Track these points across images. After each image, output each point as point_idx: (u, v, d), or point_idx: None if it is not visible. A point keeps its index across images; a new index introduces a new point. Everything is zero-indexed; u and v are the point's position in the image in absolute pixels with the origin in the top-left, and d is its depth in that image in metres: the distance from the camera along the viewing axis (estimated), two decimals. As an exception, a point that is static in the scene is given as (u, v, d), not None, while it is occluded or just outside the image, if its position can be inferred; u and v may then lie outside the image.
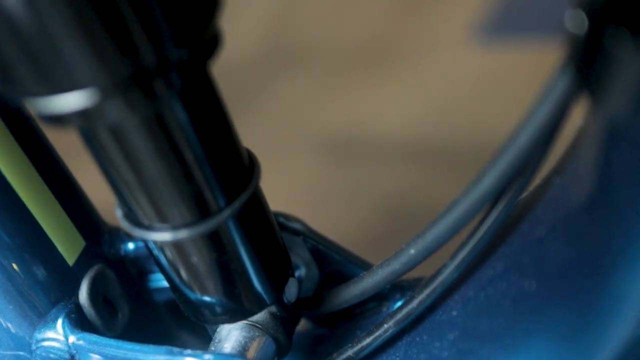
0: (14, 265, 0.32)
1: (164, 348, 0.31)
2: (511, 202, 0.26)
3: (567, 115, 0.22)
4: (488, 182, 0.25)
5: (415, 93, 1.37)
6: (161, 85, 0.22)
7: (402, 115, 1.34)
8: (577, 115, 0.26)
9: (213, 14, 0.23)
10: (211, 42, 0.24)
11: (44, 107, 0.23)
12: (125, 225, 0.28)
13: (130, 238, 0.38)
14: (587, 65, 0.19)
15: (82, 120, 0.23)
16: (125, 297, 0.37)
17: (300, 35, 1.48)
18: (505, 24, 1.44)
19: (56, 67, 0.21)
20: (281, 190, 1.11)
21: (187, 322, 0.42)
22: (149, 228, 0.27)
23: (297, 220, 0.36)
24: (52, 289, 0.33)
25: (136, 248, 0.38)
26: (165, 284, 0.40)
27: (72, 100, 0.22)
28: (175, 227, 0.27)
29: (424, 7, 1.55)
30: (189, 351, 0.30)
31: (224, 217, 0.27)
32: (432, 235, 0.28)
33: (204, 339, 0.39)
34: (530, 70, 1.34)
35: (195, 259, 0.28)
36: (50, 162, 0.34)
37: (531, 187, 0.28)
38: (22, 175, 0.32)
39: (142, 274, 0.39)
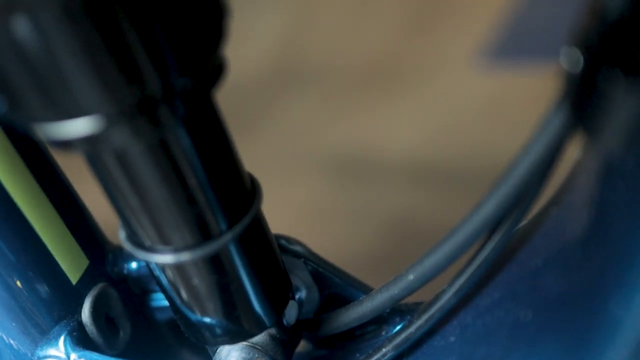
0: (18, 283, 0.33)
1: (164, 368, 0.31)
2: (508, 231, 0.27)
3: (563, 149, 0.22)
4: (486, 211, 0.26)
5: (421, 114, 1.38)
6: (166, 112, 0.23)
7: (408, 137, 1.35)
8: (575, 147, 0.26)
9: (218, 43, 0.23)
10: (215, 71, 0.24)
11: (51, 132, 0.23)
12: (127, 246, 0.28)
13: (133, 257, 0.38)
14: (582, 103, 0.20)
15: (88, 145, 0.23)
16: (127, 316, 0.38)
17: (308, 55, 1.49)
18: (511, 48, 1.45)
19: (64, 94, 0.21)
20: (287, 209, 1.12)
21: (188, 341, 0.42)
22: (151, 250, 0.28)
23: (298, 242, 0.37)
24: (55, 307, 0.34)
25: (139, 267, 0.38)
26: (165, 303, 0.40)
27: (78, 127, 0.22)
28: (177, 250, 0.27)
29: (431, 30, 1.56)
30: (188, 372, 0.31)
31: (226, 240, 0.27)
32: (430, 262, 0.28)
33: (205, 359, 0.40)
34: (534, 94, 1.34)
35: (196, 281, 0.29)
36: (55, 181, 0.34)
37: (528, 217, 0.28)
38: (27, 193, 0.32)
39: (144, 293, 0.39)
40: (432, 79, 1.45)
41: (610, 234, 0.21)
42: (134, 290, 0.39)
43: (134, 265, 0.38)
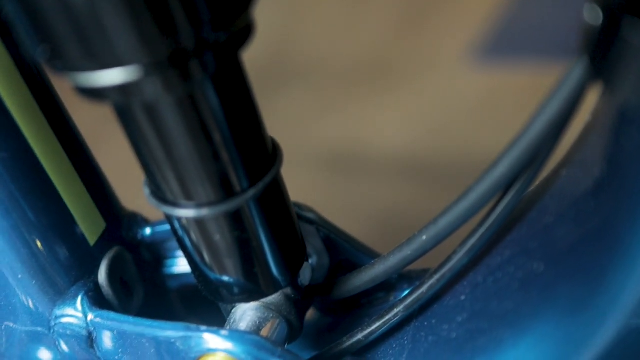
0: (38, 243, 0.33)
1: (181, 324, 0.32)
2: (520, 192, 0.28)
3: (579, 105, 0.23)
4: (500, 171, 0.27)
5: (412, 110, 1.39)
6: (197, 67, 0.24)
7: (399, 132, 1.36)
8: (585, 111, 0.27)
9: (250, 2, 0.24)
10: (245, 30, 0.25)
11: (85, 81, 0.24)
12: (152, 202, 0.29)
13: (148, 223, 0.39)
14: (601, 55, 0.21)
15: (120, 95, 0.24)
16: (140, 280, 0.38)
17: (299, 50, 1.50)
18: (503, 45, 1.46)
19: (102, 44, 0.22)
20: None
21: (196, 309, 0.43)
22: (175, 205, 0.29)
23: (311, 210, 0.38)
24: (73, 268, 0.35)
25: (153, 234, 0.39)
26: (177, 270, 0.41)
27: (113, 76, 0.23)
28: (200, 205, 0.28)
29: (423, 26, 1.57)
30: (205, 327, 0.32)
31: (247, 198, 0.28)
32: (444, 222, 0.29)
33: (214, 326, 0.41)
34: (526, 92, 1.36)
35: (216, 238, 0.29)
36: (76, 145, 0.35)
37: (539, 179, 0.29)
38: (52, 155, 0.33)
39: (157, 260, 0.40)
40: (423, 75, 1.47)
41: (624, 184, 0.22)
42: (146, 257, 0.39)
43: (147, 231, 0.39)
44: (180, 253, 0.40)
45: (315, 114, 1.35)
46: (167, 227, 0.39)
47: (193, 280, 0.40)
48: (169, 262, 0.40)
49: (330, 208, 1.20)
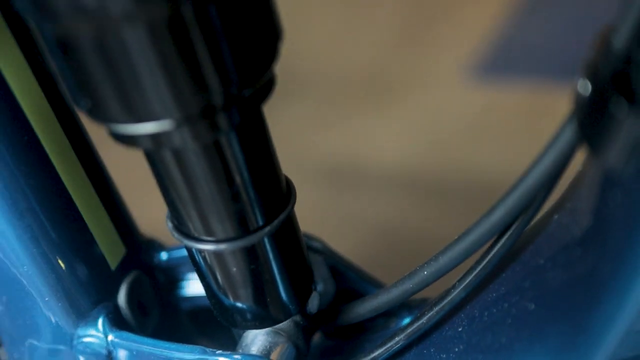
0: (64, 268, 0.36)
1: (198, 348, 0.34)
2: (516, 234, 0.30)
3: (569, 162, 0.26)
4: (497, 216, 0.29)
5: (410, 125, 1.41)
6: (224, 119, 0.26)
7: (397, 147, 1.38)
8: (578, 161, 0.30)
9: (272, 61, 0.27)
10: (268, 85, 0.27)
11: (121, 130, 0.26)
12: (175, 235, 0.31)
13: (164, 249, 0.41)
14: (589, 123, 0.23)
15: (152, 144, 0.27)
16: (155, 302, 0.41)
17: (299, 64, 1.52)
18: (500, 64, 1.49)
19: (139, 102, 0.25)
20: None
21: (206, 330, 0.45)
22: (197, 240, 0.31)
23: (318, 240, 0.40)
24: (95, 291, 0.37)
25: (168, 258, 0.41)
26: (189, 293, 0.43)
27: (146, 128, 0.26)
28: (219, 241, 0.31)
29: (423, 43, 1.59)
30: (219, 352, 0.34)
31: (263, 234, 0.31)
32: (444, 260, 0.32)
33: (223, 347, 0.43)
34: (520, 110, 1.38)
35: (233, 269, 0.32)
36: (100, 174, 0.37)
37: (533, 222, 0.31)
38: (80, 186, 0.36)
39: (171, 283, 0.42)
40: (421, 91, 1.49)
41: (607, 237, 0.25)
42: (161, 280, 0.42)
43: (163, 256, 0.41)
44: (192, 276, 0.43)
45: (313, 127, 1.37)
46: (182, 252, 0.41)
47: (204, 302, 0.42)
48: (182, 284, 0.43)
49: (328, 220, 1.23)
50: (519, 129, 1.32)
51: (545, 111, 1.37)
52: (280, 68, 0.28)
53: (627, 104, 0.22)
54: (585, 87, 0.24)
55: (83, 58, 0.24)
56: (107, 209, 0.37)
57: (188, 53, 0.24)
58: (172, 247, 0.41)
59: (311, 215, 1.30)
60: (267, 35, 0.26)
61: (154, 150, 0.28)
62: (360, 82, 1.56)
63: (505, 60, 1.50)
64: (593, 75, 0.24)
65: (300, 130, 1.36)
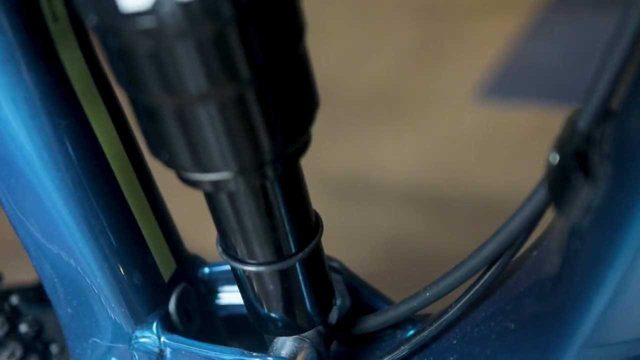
0: (127, 279, 0.43)
1: (237, 350, 0.41)
2: (501, 266, 0.37)
3: (542, 214, 0.33)
4: (487, 251, 0.36)
5: (419, 142, 1.46)
6: (270, 171, 0.33)
7: (405, 163, 1.43)
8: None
9: (310, 125, 0.34)
10: (306, 142, 0.34)
11: (189, 176, 0.33)
12: (224, 257, 0.39)
13: (206, 264, 0.49)
14: (556, 187, 0.30)
15: (212, 187, 0.34)
16: (198, 309, 0.48)
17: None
18: (507, 86, 1.55)
19: (207, 160, 0.32)
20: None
21: (238, 335, 0.52)
22: (242, 262, 0.38)
23: (336, 260, 0.47)
24: (151, 299, 0.44)
25: (210, 272, 0.48)
26: (225, 302, 0.50)
27: (210, 177, 0.33)
28: (260, 264, 0.38)
29: (434, 63, 1.65)
30: (255, 354, 0.41)
31: (295, 260, 0.38)
32: (443, 284, 0.39)
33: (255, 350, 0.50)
34: (526, 131, 1.44)
35: (270, 287, 0.39)
36: (158, 199, 0.44)
37: (516, 257, 0.38)
38: (141, 209, 0.43)
39: (210, 293, 0.50)
40: (431, 109, 1.55)
41: (570, 274, 0.32)
42: (202, 290, 0.49)
43: (206, 270, 0.48)
44: (228, 288, 0.50)
45: (325, 141, 1.43)
46: (220, 267, 0.48)
47: (237, 310, 0.49)
48: (219, 295, 0.50)
49: (335, 233, 1.28)
50: (525, 149, 1.38)
51: (550, 133, 1.42)
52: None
53: (584, 177, 0.29)
54: (554, 158, 0.31)
55: (164, 123, 0.31)
56: (163, 230, 0.45)
57: (248, 123, 0.31)
58: (212, 263, 0.48)
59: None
60: (308, 106, 0.33)
61: (213, 192, 0.35)
62: (372, 98, 1.62)
63: (513, 83, 1.56)
64: (560, 150, 0.31)
65: (312, 144, 1.42)
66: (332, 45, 1.74)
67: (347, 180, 1.39)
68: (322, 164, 1.42)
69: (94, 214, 0.40)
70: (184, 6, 0.26)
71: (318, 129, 0.37)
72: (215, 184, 0.33)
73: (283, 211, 0.36)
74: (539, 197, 0.32)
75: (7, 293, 0.59)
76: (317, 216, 0.40)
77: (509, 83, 1.52)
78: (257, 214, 0.36)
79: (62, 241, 0.41)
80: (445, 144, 1.43)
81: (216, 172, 0.32)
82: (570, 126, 0.31)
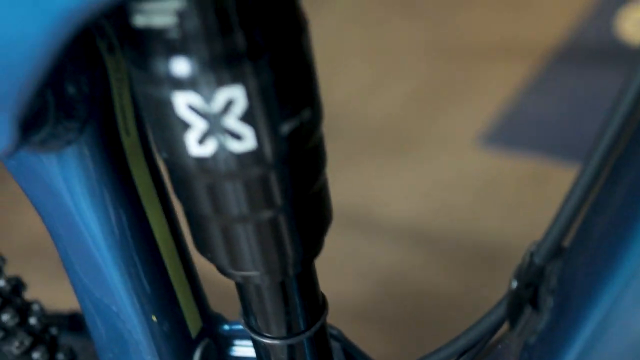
0: (161, 334, 0.51)
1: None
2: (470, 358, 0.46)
3: (499, 328, 0.41)
4: (445, 354, 0.45)
5: (421, 181, 1.52)
6: (291, 271, 0.42)
7: (406, 201, 1.48)
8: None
9: (324, 235, 0.42)
10: (320, 247, 0.43)
11: (226, 270, 0.42)
12: (246, 328, 0.47)
13: (226, 322, 0.57)
14: (512, 307, 0.39)
15: (241, 279, 0.43)
16: (217, 360, 0.57)
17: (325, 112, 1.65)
18: (508, 136, 1.61)
19: (241, 264, 0.40)
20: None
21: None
22: (260, 335, 0.47)
23: (336, 328, 0.56)
24: (180, 353, 0.53)
25: (229, 329, 0.57)
26: (240, 355, 0.59)
27: (244, 273, 0.42)
28: (274, 338, 0.46)
29: (440, 105, 1.71)
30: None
31: (304, 337, 0.46)
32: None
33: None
34: (526, 180, 1.50)
35: (281, 357, 0.48)
36: (190, 260, 0.53)
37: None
38: (176, 270, 0.51)
39: (227, 345, 0.58)
40: (436, 149, 1.60)
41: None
42: (222, 345, 0.58)
43: (226, 327, 0.57)
44: (242, 343, 0.58)
45: (330, 176, 1.51)
46: (238, 325, 0.57)
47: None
48: (234, 348, 0.58)
49: (335, 266, 1.35)
50: (521, 199, 1.45)
51: (545, 185, 1.48)
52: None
53: (531, 307, 0.37)
54: (513, 283, 0.40)
55: (210, 232, 0.40)
56: (193, 293, 0.53)
57: (276, 238, 0.39)
58: (232, 322, 0.57)
59: (321, 258, 1.44)
60: (324, 223, 0.42)
61: (243, 283, 0.44)
62: (378, 133, 1.66)
63: (514, 132, 1.62)
64: (517, 277, 0.39)
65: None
66: (343, 77, 1.81)
67: (347, 213, 1.45)
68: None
69: (138, 275, 0.49)
70: (237, 156, 0.35)
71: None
72: (246, 278, 0.42)
73: (297, 299, 0.45)
74: (498, 312, 0.41)
75: (48, 324, 0.67)
76: (323, 297, 0.48)
77: (511, 132, 1.59)
78: (276, 300, 0.44)
79: (110, 295, 0.50)
80: (446, 185, 1.50)
81: (248, 271, 0.41)
82: (529, 258, 0.40)
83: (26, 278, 0.65)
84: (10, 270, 0.63)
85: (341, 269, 1.36)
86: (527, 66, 1.75)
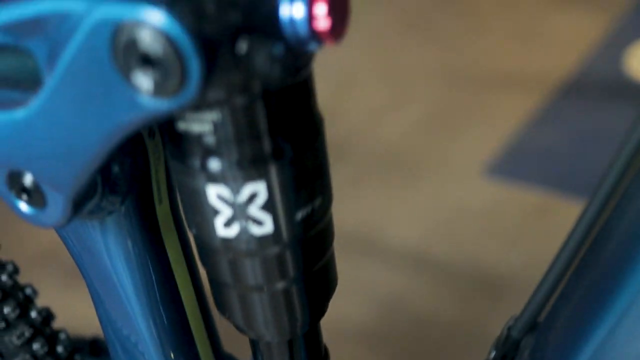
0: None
1: None
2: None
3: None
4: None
5: (425, 207, 1.55)
6: (299, 332, 0.48)
7: (410, 226, 1.52)
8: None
9: (329, 300, 0.48)
10: (325, 311, 0.49)
11: (242, 328, 0.48)
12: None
13: (235, 360, 0.63)
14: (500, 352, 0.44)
15: (255, 336, 0.48)
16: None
17: (329, 135, 1.70)
18: (514, 167, 1.65)
19: (255, 325, 0.46)
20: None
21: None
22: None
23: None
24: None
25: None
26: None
27: (256, 334, 0.47)
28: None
29: (449, 132, 1.75)
30: None
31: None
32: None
33: None
34: (531, 211, 1.54)
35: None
36: (206, 303, 0.59)
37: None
38: (193, 313, 0.57)
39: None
40: (441, 176, 1.64)
41: None
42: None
43: (234, 367, 0.63)
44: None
45: (335, 196, 1.54)
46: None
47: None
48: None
49: (338, 290, 1.39)
50: (524, 230, 1.49)
51: (551, 216, 1.52)
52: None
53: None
54: (491, 352, 0.45)
55: (229, 297, 0.46)
56: (209, 335, 0.59)
57: (287, 307, 0.45)
58: (241, 361, 0.63)
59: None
60: (330, 291, 0.47)
61: (256, 340, 0.50)
62: (386, 158, 1.70)
63: (520, 164, 1.65)
64: (496, 348, 0.45)
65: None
66: (354, 100, 1.86)
67: (350, 238, 1.49)
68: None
69: (162, 323, 0.55)
70: (257, 238, 0.41)
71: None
72: (259, 336, 0.48)
73: (302, 353, 0.50)
74: None
75: (74, 351, 0.73)
76: (326, 349, 0.54)
77: (516, 163, 1.64)
78: (284, 355, 0.50)
79: (135, 335, 0.56)
80: (451, 213, 1.54)
81: (260, 331, 0.47)
82: (506, 331, 0.46)
83: (38, 286, 0.68)
84: (23, 279, 0.67)
85: (343, 293, 1.40)
86: (535, 98, 1.79)
